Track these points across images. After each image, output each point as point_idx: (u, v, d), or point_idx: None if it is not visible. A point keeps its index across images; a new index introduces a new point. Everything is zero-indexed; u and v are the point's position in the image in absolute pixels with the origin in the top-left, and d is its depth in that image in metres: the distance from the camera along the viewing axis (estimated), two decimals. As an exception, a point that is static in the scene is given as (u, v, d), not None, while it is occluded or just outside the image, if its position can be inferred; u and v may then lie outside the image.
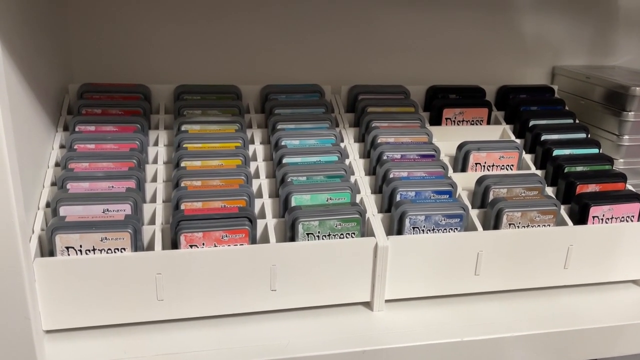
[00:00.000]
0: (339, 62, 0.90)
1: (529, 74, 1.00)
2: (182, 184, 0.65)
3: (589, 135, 0.84)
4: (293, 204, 0.65)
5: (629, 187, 0.77)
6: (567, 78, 0.98)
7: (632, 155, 0.86)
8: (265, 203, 0.67)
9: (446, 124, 0.85)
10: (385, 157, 0.74)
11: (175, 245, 0.59)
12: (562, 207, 0.72)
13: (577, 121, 0.87)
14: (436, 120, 0.85)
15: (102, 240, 0.57)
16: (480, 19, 0.94)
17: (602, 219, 0.72)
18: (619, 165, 0.86)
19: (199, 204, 0.63)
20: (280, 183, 0.68)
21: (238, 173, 0.67)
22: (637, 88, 0.83)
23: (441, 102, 0.85)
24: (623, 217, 0.73)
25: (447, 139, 0.81)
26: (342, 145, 0.77)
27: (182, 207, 0.62)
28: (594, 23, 0.99)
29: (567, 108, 0.90)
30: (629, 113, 0.84)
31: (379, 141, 0.76)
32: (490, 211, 0.68)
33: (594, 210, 0.71)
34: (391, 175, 0.71)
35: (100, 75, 0.84)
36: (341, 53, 0.90)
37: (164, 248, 0.60)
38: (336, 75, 0.90)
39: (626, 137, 0.85)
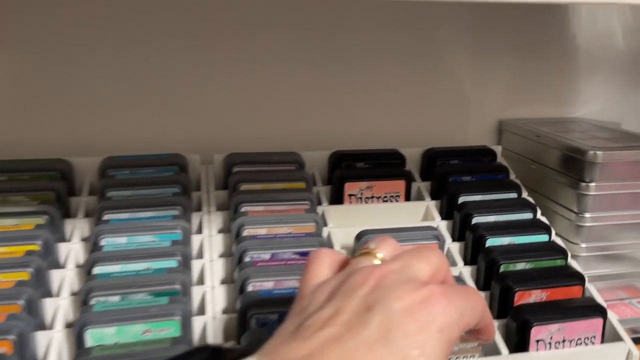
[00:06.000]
0: (210, 122, 0.71)
1: (470, 130, 0.81)
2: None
3: (537, 216, 0.64)
4: (89, 343, 0.45)
5: (590, 289, 0.57)
6: (515, 135, 0.78)
7: (596, 239, 0.66)
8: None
9: (350, 202, 0.65)
10: (248, 259, 0.54)
11: None
12: (495, 324, 0.52)
13: (523, 196, 0.67)
14: (338, 198, 0.65)
15: None
16: (403, 67, 0.75)
17: (549, 344, 0.51)
18: (580, 251, 0.66)
19: None
20: (83, 304, 0.48)
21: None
22: (598, 152, 0.63)
23: (343, 173, 0.66)
24: (580, 338, 0.52)
25: (348, 224, 0.61)
26: (199, 238, 0.57)
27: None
28: (550, 65, 0.81)
29: (512, 177, 0.70)
30: (589, 184, 0.64)
31: (244, 234, 0.56)
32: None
33: (538, 331, 0.51)
34: (250, 288, 0.51)
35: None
36: (214, 112, 0.71)
37: None
38: (213, 140, 0.70)
39: (587, 215, 0.65)
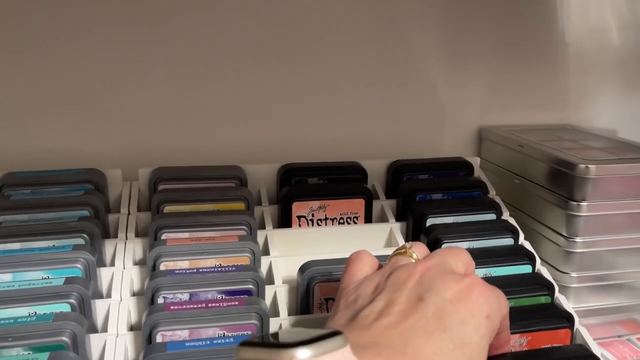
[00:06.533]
0: (137, 131, 0.61)
1: (445, 139, 0.71)
2: None
3: (519, 241, 0.54)
4: None
5: (582, 332, 0.47)
6: (496, 145, 0.69)
7: (588, 267, 0.56)
8: None
9: (299, 225, 0.55)
10: (160, 301, 0.44)
11: None
12: None
13: (503, 217, 0.57)
14: (285, 220, 0.56)
15: None
16: (367, 66, 0.66)
17: (530, 406, 0.41)
18: (570, 281, 0.56)
19: None
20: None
21: None
22: (590, 166, 0.54)
23: (291, 190, 0.56)
24: (568, 397, 0.42)
25: (294, 251, 0.52)
26: (109, 272, 0.47)
27: None
28: (535, 65, 0.71)
29: (490, 194, 0.60)
30: (580, 204, 0.54)
31: (161, 267, 0.46)
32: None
33: (516, 391, 0.41)
34: (158, 339, 0.41)
35: None
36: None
37: None
38: (140, 152, 0.60)
39: (578, 239, 0.55)
